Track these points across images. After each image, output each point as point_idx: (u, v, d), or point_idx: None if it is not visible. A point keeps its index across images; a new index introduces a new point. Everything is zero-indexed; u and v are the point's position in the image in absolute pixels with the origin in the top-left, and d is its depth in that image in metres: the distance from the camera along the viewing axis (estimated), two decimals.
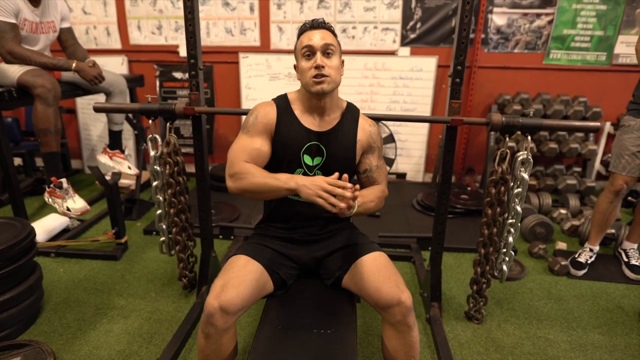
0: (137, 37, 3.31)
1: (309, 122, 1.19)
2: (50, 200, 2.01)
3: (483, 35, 3.04)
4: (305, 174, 1.19)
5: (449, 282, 1.97)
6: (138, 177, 2.77)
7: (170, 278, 1.96)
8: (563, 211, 2.67)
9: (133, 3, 3.22)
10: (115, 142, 2.43)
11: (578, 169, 3.10)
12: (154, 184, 1.61)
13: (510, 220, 1.46)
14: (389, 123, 3.25)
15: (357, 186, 0.99)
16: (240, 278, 1.06)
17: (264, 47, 3.23)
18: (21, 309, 1.54)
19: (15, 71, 1.87)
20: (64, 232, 2.36)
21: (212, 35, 3.24)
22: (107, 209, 2.24)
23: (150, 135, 1.56)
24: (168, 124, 1.57)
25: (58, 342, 1.53)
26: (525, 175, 1.39)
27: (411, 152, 3.34)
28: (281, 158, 1.19)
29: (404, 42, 3.12)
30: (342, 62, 1.19)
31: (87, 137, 3.60)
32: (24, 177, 3.10)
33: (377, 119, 1.47)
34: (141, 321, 1.65)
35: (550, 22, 2.98)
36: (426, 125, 3.26)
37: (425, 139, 3.29)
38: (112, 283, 1.92)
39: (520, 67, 3.09)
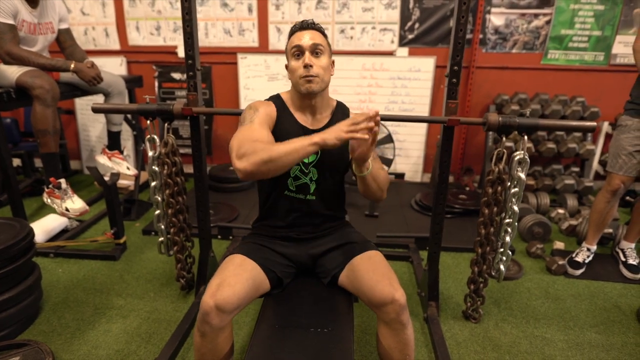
0: (136, 38, 3.32)
1: (303, 120, 1.22)
2: (49, 200, 2.01)
3: (481, 36, 3.05)
4: (301, 170, 1.21)
5: (446, 282, 1.98)
6: (137, 177, 2.77)
7: (169, 278, 1.97)
8: (561, 211, 2.68)
9: (132, 4, 3.22)
10: (114, 143, 2.44)
11: (576, 169, 3.10)
12: (153, 184, 1.62)
13: (507, 220, 1.47)
14: (387, 123, 3.25)
15: (377, 110, 0.96)
16: (236, 277, 1.06)
17: (263, 47, 3.24)
18: (20, 308, 1.54)
19: (13, 72, 1.88)
20: (63, 233, 2.36)
21: (210, 36, 3.25)
22: (105, 209, 2.25)
23: (149, 136, 1.57)
24: (166, 124, 1.58)
25: (57, 341, 1.53)
26: (522, 175, 1.39)
27: (409, 153, 3.35)
28: None
29: (402, 42, 3.12)
30: (333, 62, 1.21)
31: (86, 137, 3.60)
32: (22, 177, 3.10)
33: None
34: (140, 321, 1.66)
35: (548, 22, 2.99)
36: (424, 125, 3.27)
37: (424, 139, 3.30)
38: (110, 283, 1.93)
39: (518, 68, 3.10)
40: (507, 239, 1.48)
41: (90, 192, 3.12)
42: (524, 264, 2.13)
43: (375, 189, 1.16)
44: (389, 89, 3.20)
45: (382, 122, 3.36)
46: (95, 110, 1.56)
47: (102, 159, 2.40)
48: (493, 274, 1.58)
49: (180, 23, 3.16)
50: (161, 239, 1.72)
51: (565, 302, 1.84)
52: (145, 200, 2.85)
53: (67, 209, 1.97)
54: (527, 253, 2.25)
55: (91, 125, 3.53)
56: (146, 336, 1.57)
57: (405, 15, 3.06)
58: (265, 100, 1.25)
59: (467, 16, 1.38)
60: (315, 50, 1.13)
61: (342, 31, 3.15)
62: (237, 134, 1.07)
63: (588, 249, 2.10)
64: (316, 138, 0.96)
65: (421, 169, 3.38)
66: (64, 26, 2.21)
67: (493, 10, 3.00)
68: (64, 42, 2.23)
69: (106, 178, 2.06)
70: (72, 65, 2.00)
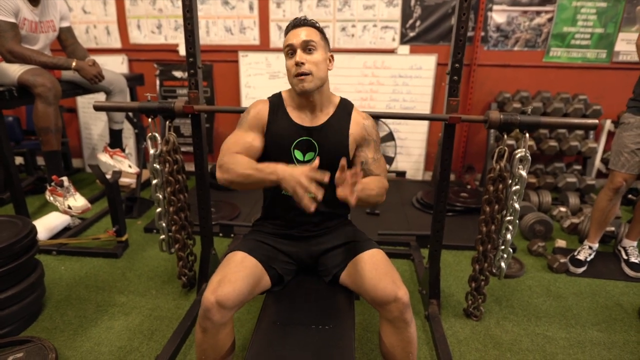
0: (137, 36, 3.32)
1: (300, 118, 1.21)
2: (51, 198, 2.02)
3: (483, 33, 3.04)
4: None
5: (447, 280, 1.98)
6: (138, 175, 2.78)
7: (171, 276, 1.98)
8: (563, 209, 2.67)
9: (133, 2, 3.22)
10: (115, 141, 2.44)
11: (578, 167, 3.10)
12: (154, 182, 1.62)
13: (508, 218, 1.47)
14: (388, 121, 3.25)
15: (358, 169, 0.97)
16: (237, 274, 1.07)
17: (264, 45, 3.24)
18: (23, 306, 1.55)
19: (15, 70, 1.88)
20: (65, 230, 2.37)
21: (211, 34, 3.25)
22: (107, 207, 2.26)
23: (150, 134, 1.57)
24: (167, 122, 1.58)
25: (60, 338, 1.54)
26: (524, 173, 1.39)
27: (411, 151, 3.35)
28: (273, 154, 1.21)
29: (404, 40, 3.12)
30: (331, 57, 1.20)
31: (87, 136, 3.61)
32: (25, 175, 3.11)
33: (376, 117, 1.47)
34: (142, 318, 1.66)
35: (550, 19, 2.97)
36: (426, 123, 3.26)
37: (425, 137, 3.29)
38: (113, 280, 1.93)
39: (520, 65, 3.09)
40: (508, 236, 1.48)
41: (92, 190, 3.13)
42: (526, 262, 2.13)
43: (372, 202, 1.17)
44: (390, 87, 3.19)
45: (384, 119, 3.35)
46: (97, 108, 1.56)
47: (104, 157, 2.40)
48: (494, 271, 1.58)
49: (181, 21, 3.15)
50: (162, 236, 1.72)
51: (567, 300, 1.84)
52: (146, 198, 2.85)
53: (69, 207, 1.97)
54: (529, 251, 2.25)
55: (93, 123, 3.54)
56: (148, 333, 1.58)
57: (406, 13, 3.05)
58: (268, 97, 1.26)
59: (468, 13, 1.38)
60: (307, 47, 1.13)
61: (343, 29, 3.14)
62: (227, 139, 1.20)
63: (590, 247, 2.09)
64: (274, 177, 0.99)
65: (422, 167, 3.38)
66: (65, 24, 2.21)
67: (495, 7, 2.99)
68: (65, 40, 2.23)
69: (108, 176, 2.07)
70: (74, 64, 2.01)
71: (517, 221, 1.47)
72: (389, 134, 3.25)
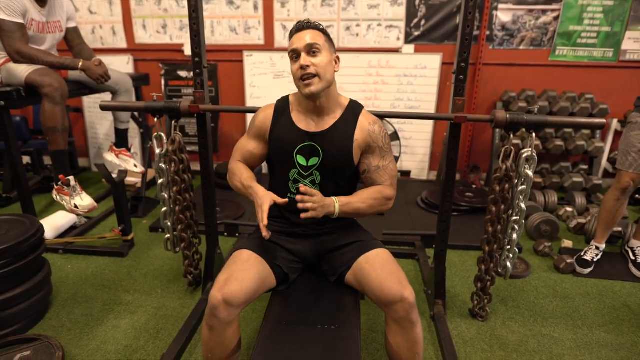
0: (143, 36, 3.34)
1: (305, 123, 1.20)
2: (58, 197, 2.03)
3: (488, 32, 3.02)
4: (300, 174, 1.21)
5: (453, 280, 1.97)
6: (144, 175, 2.79)
7: (176, 275, 1.98)
8: (569, 209, 2.65)
9: (138, 2, 3.24)
10: (121, 141, 2.45)
11: (584, 167, 3.07)
12: (160, 181, 1.63)
13: (514, 218, 1.46)
14: (393, 121, 3.24)
15: (308, 189, 1.08)
16: (244, 272, 1.07)
17: (268, 45, 3.24)
18: (30, 304, 1.56)
19: (23, 71, 1.90)
20: (71, 229, 2.39)
21: (216, 34, 3.26)
22: (113, 206, 2.27)
23: (156, 134, 1.58)
24: (173, 122, 1.59)
25: (67, 336, 1.55)
26: (530, 173, 1.38)
27: (416, 150, 3.34)
28: (276, 159, 1.24)
29: (408, 39, 3.11)
30: (337, 58, 1.19)
31: (93, 135, 3.63)
32: (32, 175, 3.13)
33: (381, 116, 1.46)
34: (147, 317, 1.67)
35: (556, 18, 2.95)
36: (431, 122, 3.25)
37: (430, 137, 3.28)
38: (119, 279, 1.95)
39: (526, 64, 3.07)
40: (515, 236, 1.48)
41: (98, 190, 3.15)
42: (532, 262, 2.12)
43: (363, 214, 1.22)
44: (395, 86, 3.19)
45: (389, 119, 3.34)
46: (104, 107, 1.57)
47: (110, 157, 2.42)
48: (500, 271, 1.57)
49: (186, 21, 3.18)
50: (168, 235, 1.73)
51: (573, 301, 1.82)
52: (152, 198, 2.87)
53: (76, 206, 1.99)
54: (535, 251, 2.23)
55: (99, 123, 3.57)
56: (154, 332, 1.58)
57: (411, 12, 3.04)
58: (276, 100, 1.27)
59: (474, 12, 1.37)
60: (311, 50, 1.11)
61: (348, 28, 3.14)
62: (238, 143, 1.33)
63: (597, 248, 2.08)
64: (254, 193, 1.16)
65: (427, 167, 3.37)
66: (72, 25, 2.23)
67: (500, 6, 2.97)
68: (72, 40, 2.25)
69: (114, 175, 2.08)
70: (80, 64, 2.02)
71: (523, 221, 1.46)
72: (393, 133, 3.24)
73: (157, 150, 1.59)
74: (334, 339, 1.06)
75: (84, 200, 2.02)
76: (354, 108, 1.24)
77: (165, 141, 1.60)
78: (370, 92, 3.23)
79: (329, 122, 1.20)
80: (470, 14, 1.37)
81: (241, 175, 1.24)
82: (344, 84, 3.17)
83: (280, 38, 3.21)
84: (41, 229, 1.65)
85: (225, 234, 2.38)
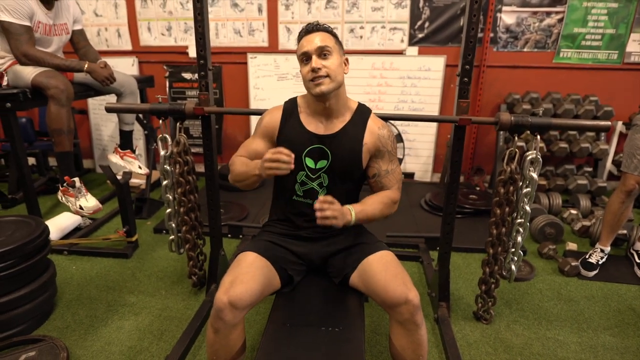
0: (147, 39, 3.36)
1: (314, 125, 1.20)
2: (63, 199, 2.04)
3: (492, 34, 3.02)
4: (307, 176, 1.21)
5: (457, 282, 1.96)
6: (148, 176, 2.80)
7: (180, 276, 1.99)
8: (573, 211, 2.64)
9: (143, 5, 3.26)
10: (126, 142, 2.47)
11: (589, 169, 3.06)
12: (164, 183, 1.64)
13: (519, 220, 1.45)
14: (397, 123, 3.24)
15: (327, 198, 1.04)
16: (249, 274, 1.07)
17: (272, 47, 3.25)
18: (35, 305, 1.57)
19: (29, 73, 1.91)
20: (76, 230, 2.40)
21: (220, 36, 3.27)
22: (118, 207, 2.28)
23: (161, 135, 1.59)
24: (178, 123, 1.59)
25: (71, 337, 1.56)
26: (535, 175, 1.38)
27: (419, 152, 3.33)
28: None
29: (412, 41, 3.11)
30: (346, 60, 1.20)
31: (98, 137, 3.66)
32: (37, 176, 3.15)
33: (385, 118, 1.47)
34: (151, 318, 1.68)
35: (560, 20, 2.95)
36: (434, 125, 3.25)
37: (434, 139, 3.28)
38: (123, 281, 1.95)
39: (530, 66, 3.06)
40: (519, 239, 1.47)
41: (102, 191, 3.17)
42: (536, 265, 2.11)
43: (375, 219, 1.21)
44: (399, 88, 3.19)
45: (393, 121, 3.35)
46: (109, 109, 1.58)
47: (115, 158, 2.43)
48: (504, 274, 1.57)
49: (190, 23, 3.20)
50: (172, 237, 1.73)
51: (578, 304, 1.81)
52: (156, 199, 2.88)
53: (80, 207, 2.00)
54: (539, 254, 2.22)
55: (104, 124, 3.59)
56: (158, 333, 1.59)
57: (415, 14, 3.05)
58: (283, 102, 1.26)
59: (479, 15, 1.37)
60: (322, 53, 1.12)
61: (352, 30, 3.14)
62: (243, 144, 1.31)
63: (602, 250, 2.07)
64: (257, 171, 1.09)
65: (431, 169, 3.36)
66: (77, 27, 2.24)
67: (504, 8, 2.97)
68: (77, 42, 2.27)
69: (118, 177, 2.09)
70: (86, 66, 2.04)
71: (528, 224, 1.46)
72: (397, 136, 3.24)
73: (162, 152, 1.60)
74: (338, 341, 1.06)
75: (89, 202, 2.03)
76: (363, 112, 1.24)
77: (170, 143, 1.60)
78: (374, 94, 3.23)
79: (338, 125, 1.20)
80: (474, 16, 1.37)
81: (242, 162, 1.21)
82: (348, 86, 3.11)
83: (284, 40, 3.22)
84: (46, 230, 1.66)
85: (229, 235, 2.39)
